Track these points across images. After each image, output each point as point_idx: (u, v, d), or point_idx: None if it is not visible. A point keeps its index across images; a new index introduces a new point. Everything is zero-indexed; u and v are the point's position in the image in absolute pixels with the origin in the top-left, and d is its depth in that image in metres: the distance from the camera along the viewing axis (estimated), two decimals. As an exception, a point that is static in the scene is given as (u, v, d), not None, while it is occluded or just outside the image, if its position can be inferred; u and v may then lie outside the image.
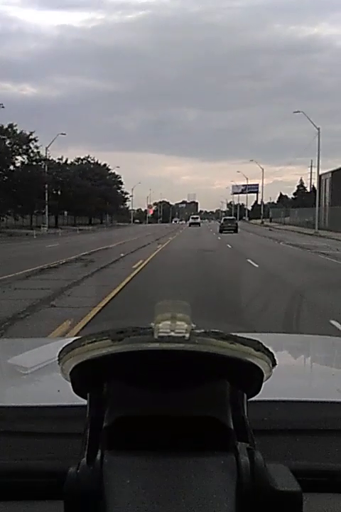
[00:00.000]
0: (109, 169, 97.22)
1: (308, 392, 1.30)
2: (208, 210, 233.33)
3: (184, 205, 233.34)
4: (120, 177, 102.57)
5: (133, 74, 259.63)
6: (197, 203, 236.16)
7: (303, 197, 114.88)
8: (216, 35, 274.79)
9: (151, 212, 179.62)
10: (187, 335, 0.61)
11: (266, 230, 54.86)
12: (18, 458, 0.92)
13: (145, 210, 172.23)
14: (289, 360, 1.73)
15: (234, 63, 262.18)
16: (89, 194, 75.97)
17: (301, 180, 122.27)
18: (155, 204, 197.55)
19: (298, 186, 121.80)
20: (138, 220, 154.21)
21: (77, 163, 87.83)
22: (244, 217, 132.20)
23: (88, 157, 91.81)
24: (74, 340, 0.65)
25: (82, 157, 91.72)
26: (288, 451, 0.95)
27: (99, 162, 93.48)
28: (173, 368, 0.63)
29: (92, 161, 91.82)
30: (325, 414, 1.06)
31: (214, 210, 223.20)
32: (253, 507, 0.58)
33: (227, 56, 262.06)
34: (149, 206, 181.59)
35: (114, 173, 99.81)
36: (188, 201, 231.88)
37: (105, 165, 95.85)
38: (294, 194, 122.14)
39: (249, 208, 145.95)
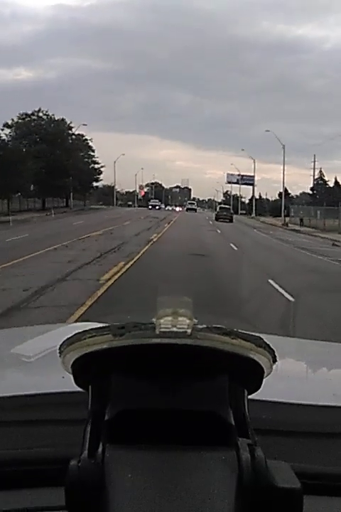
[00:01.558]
0: (72, 127, 63.30)
1: (304, 395, 1.22)
2: (201, 198, 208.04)
3: (177, 189, 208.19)
4: (88, 140, 70.20)
5: (129, 54, 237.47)
6: (190, 189, 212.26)
7: (323, 191, 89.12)
8: (209, 22, 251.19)
9: (142, 193, 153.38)
10: (189, 330, 0.59)
11: (327, 246, 27.00)
12: (21, 446, 0.88)
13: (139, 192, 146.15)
14: (286, 363, 1.63)
15: (225, 54, 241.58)
16: (23, 161, 44.11)
17: (321, 172, 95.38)
18: (147, 185, 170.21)
19: (316, 179, 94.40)
20: (130, 203, 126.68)
21: (22, 120, 56.85)
22: (242, 211, 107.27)
23: (39, 110, 59.26)
24: (75, 334, 0.63)
25: (29, 112, 58.67)
26: (285, 453, 0.89)
27: (53, 117, 60.37)
28: (175, 363, 0.61)
29: (45, 116, 59.63)
30: (321, 418, 1.03)
31: (206, 199, 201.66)
32: (253, 503, 0.56)
33: (220, 46, 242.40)
34: (140, 187, 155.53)
35: (81, 135, 67.65)
36: (182, 186, 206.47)
37: (63, 120, 61.97)
38: (311, 189, 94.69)
39: (246, 200, 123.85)
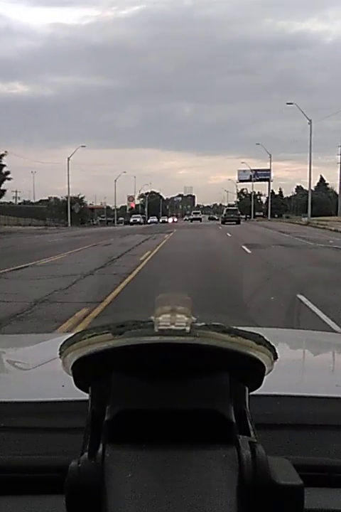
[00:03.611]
0: None
1: (307, 387, 1.17)
2: (205, 205, 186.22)
3: (180, 198, 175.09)
4: None
5: (128, 70, 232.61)
6: (194, 197, 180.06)
7: None
8: (208, 29, 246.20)
9: (132, 205, 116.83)
10: (188, 328, 0.57)
11: None
12: (21, 453, 0.85)
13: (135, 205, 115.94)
14: (288, 355, 1.54)
15: (226, 57, 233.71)
16: None
17: None
18: (142, 196, 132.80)
19: None
20: (121, 218, 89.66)
21: None
22: (259, 213, 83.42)
23: None
24: (74, 334, 0.61)
25: None
26: (286, 446, 0.87)
27: None
28: (174, 361, 0.59)
29: None
30: (324, 409, 0.98)
31: (211, 205, 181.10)
32: (254, 500, 0.54)
33: (220, 50, 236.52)
34: (130, 199, 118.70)
35: None
36: (185, 194, 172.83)
37: None
38: None
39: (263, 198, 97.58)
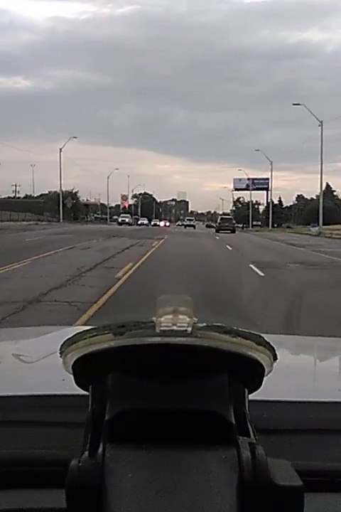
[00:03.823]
0: None
1: (309, 392, 1.16)
2: (199, 212, 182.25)
3: (173, 202, 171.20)
4: None
5: (124, 68, 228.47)
6: (187, 202, 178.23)
7: None
8: (204, 36, 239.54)
9: (126, 205, 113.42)
10: (189, 329, 0.57)
11: None
12: (22, 447, 0.84)
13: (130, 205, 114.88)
14: (290, 360, 1.54)
15: (223, 65, 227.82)
16: None
17: None
18: (135, 197, 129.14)
19: None
20: (97, 214, 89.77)
21: None
22: (257, 222, 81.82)
23: None
24: (75, 334, 0.61)
25: None
26: (288, 451, 0.85)
27: None
28: (175, 361, 0.58)
29: None
30: (326, 414, 0.97)
31: (204, 212, 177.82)
32: (254, 501, 0.54)
33: (216, 58, 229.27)
34: (123, 198, 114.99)
35: None
36: (178, 199, 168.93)
37: None
38: None
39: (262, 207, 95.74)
